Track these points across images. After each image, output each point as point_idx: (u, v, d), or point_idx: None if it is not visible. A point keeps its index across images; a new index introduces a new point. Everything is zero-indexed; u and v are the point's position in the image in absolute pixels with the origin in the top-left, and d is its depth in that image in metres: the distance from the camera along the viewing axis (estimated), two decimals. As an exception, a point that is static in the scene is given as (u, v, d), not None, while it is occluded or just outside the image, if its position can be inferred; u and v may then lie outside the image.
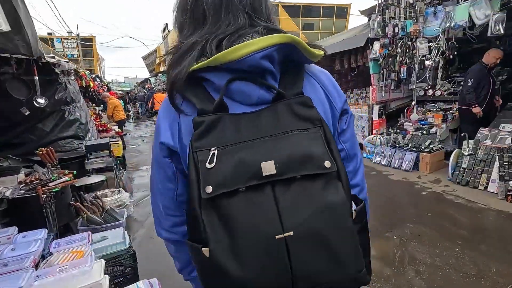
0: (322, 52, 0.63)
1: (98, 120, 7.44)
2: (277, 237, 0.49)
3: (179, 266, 0.79)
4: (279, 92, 0.59)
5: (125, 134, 9.73)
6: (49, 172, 2.81)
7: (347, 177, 0.58)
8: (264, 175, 0.51)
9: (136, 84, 28.70)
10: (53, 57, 3.79)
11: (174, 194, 0.67)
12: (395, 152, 4.91)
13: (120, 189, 3.36)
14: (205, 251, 0.51)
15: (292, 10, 22.35)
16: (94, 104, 8.39)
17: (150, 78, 22.86)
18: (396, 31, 4.59)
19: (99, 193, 3.22)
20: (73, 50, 26.06)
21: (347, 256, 0.53)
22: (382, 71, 5.42)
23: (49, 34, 25.19)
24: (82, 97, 5.34)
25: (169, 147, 0.63)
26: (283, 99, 0.59)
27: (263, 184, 0.52)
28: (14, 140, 3.85)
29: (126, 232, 2.30)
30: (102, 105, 8.83)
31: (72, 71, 4.98)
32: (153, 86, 18.52)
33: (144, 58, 39.35)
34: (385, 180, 4.35)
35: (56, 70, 3.78)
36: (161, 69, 23.97)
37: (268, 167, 0.51)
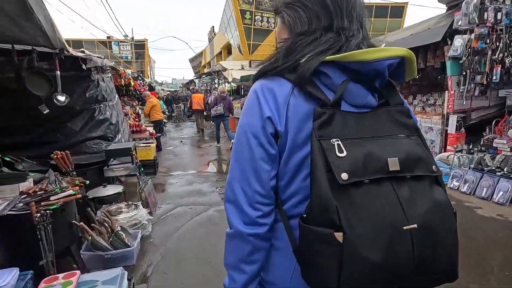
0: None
1: (137, 119, 7.34)
2: (405, 227, 0.52)
3: (245, 279, 0.67)
4: (387, 100, 0.65)
5: (164, 135, 9.65)
6: (56, 182, 2.40)
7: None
8: (390, 170, 0.55)
9: (181, 85, 29.70)
10: (83, 52, 3.49)
11: (268, 176, 0.65)
12: (481, 177, 3.77)
13: (138, 203, 2.88)
14: (338, 236, 0.51)
15: (341, 10, 20.93)
16: (136, 103, 8.38)
17: (194, 80, 23.36)
18: (499, 17, 3.49)
19: (113, 207, 2.77)
20: (128, 53, 27.90)
21: (452, 251, 0.58)
22: (464, 72, 4.30)
23: (108, 37, 27.27)
24: (117, 96, 5.13)
25: (274, 125, 0.63)
26: (386, 106, 0.65)
27: (383, 178, 0.55)
28: (42, 138, 3.64)
29: (126, 273, 1.75)
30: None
31: (108, 68, 4.76)
32: (196, 87, 18.75)
33: (191, 60, 40.88)
34: (470, 215, 3.29)
35: (84, 67, 3.46)
36: (205, 70, 24.39)
37: (394, 163, 0.55)
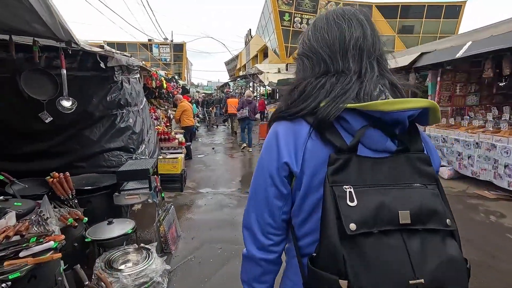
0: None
1: (168, 124, 6.82)
2: (411, 282, 0.51)
3: None
4: (406, 146, 0.64)
5: (194, 140, 9.11)
6: (40, 222, 1.73)
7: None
8: (400, 222, 0.54)
9: (216, 88, 29.72)
10: (102, 47, 2.89)
11: (280, 212, 0.69)
12: None
13: (152, 248, 2.13)
14: (343, 283, 0.52)
15: (388, 10, 19.45)
16: (168, 106, 7.92)
17: (229, 83, 23.08)
18: None
19: (118, 252, 2.04)
20: (167, 55, 28.52)
21: None
22: None
23: (149, 40, 28.09)
24: (144, 100, 4.55)
25: (290, 168, 0.65)
26: (406, 152, 0.64)
27: (393, 229, 0.54)
28: (55, 148, 3.08)
29: None
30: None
31: (136, 68, 4.20)
32: (231, 90, 18.33)
33: (227, 63, 41.07)
34: None
35: (102, 65, 2.85)
36: (241, 73, 24.01)
37: (405, 216, 0.54)
